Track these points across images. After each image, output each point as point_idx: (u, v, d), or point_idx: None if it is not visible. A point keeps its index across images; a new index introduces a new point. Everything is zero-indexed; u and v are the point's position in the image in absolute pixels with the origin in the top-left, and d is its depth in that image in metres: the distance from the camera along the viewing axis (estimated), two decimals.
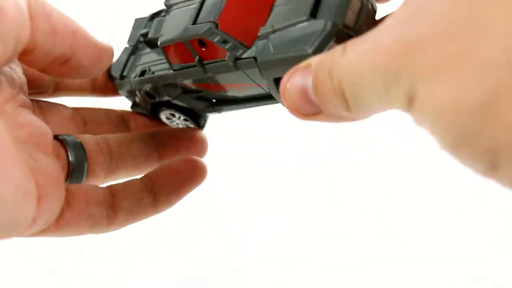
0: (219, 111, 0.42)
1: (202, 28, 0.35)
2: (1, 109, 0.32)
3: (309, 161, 0.77)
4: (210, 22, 0.35)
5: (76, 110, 0.42)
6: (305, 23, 0.32)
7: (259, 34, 0.34)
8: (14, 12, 0.30)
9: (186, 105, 0.42)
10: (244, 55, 0.35)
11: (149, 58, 0.42)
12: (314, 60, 0.29)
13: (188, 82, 0.39)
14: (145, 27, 0.43)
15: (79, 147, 0.38)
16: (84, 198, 0.35)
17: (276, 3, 0.35)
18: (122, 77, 0.42)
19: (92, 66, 0.36)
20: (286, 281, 0.66)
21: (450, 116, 0.21)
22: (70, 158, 0.37)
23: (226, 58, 0.35)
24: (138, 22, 0.45)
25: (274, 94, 0.36)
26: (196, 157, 0.41)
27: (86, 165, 0.38)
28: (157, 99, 0.40)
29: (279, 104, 0.37)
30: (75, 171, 0.37)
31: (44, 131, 0.34)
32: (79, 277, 0.68)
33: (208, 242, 0.71)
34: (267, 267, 0.68)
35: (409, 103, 0.23)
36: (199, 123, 0.45)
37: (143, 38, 0.43)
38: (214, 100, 0.42)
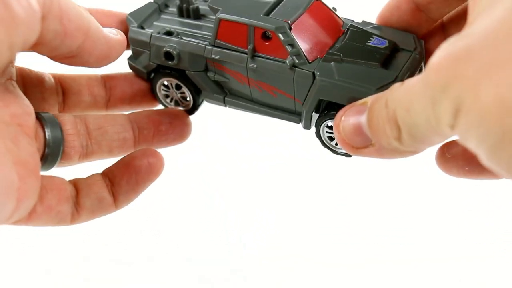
0: (228, 104, 0.42)
1: (277, 23, 0.37)
2: None
3: (309, 162, 0.77)
4: (286, 22, 0.37)
5: (58, 79, 0.42)
6: (375, 69, 0.35)
7: (325, 55, 0.37)
8: (26, 17, 0.29)
9: (197, 83, 0.42)
10: (302, 66, 0.37)
11: (177, 24, 0.42)
12: (370, 98, 0.31)
13: (218, 62, 0.40)
14: None
15: (57, 129, 0.37)
16: (56, 194, 0.36)
17: (347, 38, 0.38)
18: (141, 26, 0.42)
19: (98, 63, 0.37)
20: (286, 281, 0.66)
21: (495, 114, 0.22)
22: (47, 140, 0.37)
23: (287, 61, 0.37)
24: None
25: (306, 112, 0.38)
26: (151, 150, 0.40)
27: (62, 148, 0.38)
28: (173, 63, 0.41)
29: (290, 123, 0.40)
30: (50, 153, 0.37)
31: (27, 111, 0.34)
32: (79, 277, 0.68)
33: (208, 242, 0.71)
34: (267, 267, 0.68)
35: (455, 115, 0.23)
36: (195, 103, 0.44)
37: (181, 3, 0.42)
38: (227, 92, 0.42)
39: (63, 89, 0.42)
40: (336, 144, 0.39)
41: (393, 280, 0.66)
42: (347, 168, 0.75)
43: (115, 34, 0.37)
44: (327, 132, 0.39)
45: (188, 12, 0.43)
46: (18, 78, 0.38)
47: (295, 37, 0.37)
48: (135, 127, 0.42)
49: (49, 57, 0.35)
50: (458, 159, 0.35)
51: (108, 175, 0.40)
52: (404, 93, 0.27)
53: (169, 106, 0.44)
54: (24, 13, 0.29)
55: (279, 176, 0.77)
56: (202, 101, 0.44)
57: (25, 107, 0.34)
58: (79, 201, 0.38)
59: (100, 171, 0.40)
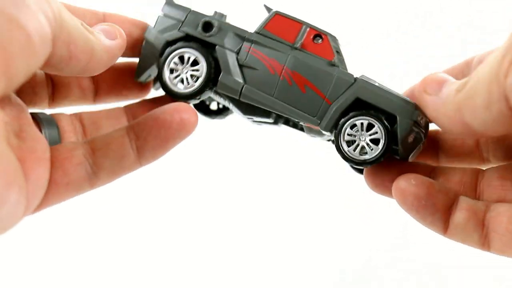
0: (246, 92, 0.41)
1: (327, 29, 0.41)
2: None
3: (309, 164, 0.77)
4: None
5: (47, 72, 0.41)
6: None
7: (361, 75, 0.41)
8: (39, 40, 0.29)
9: (223, 62, 0.41)
10: (343, 71, 0.41)
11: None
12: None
13: (256, 47, 0.41)
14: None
15: (54, 127, 0.37)
16: (59, 167, 0.34)
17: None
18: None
19: (98, 72, 0.36)
20: (286, 281, 0.66)
21: None
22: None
23: (333, 60, 0.40)
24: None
25: (335, 109, 0.40)
26: (185, 105, 0.38)
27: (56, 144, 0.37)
28: (210, 36, 0.41)
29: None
30: None
31: (23, 109, 0.34)
32: (78, 277, 0.68)
33: (208, 242, 0.71)
34: (266, 267, 0.68)
35: None
36: (205, 85, 0.42)
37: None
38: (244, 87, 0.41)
39: (53, 83, 0.41)
40: (354, 150, 0.41)
41: (394, 280, 0.66)
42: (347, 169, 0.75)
43: (114, 38, 0.37)
44: (348, 135, 0.41)
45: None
46: None
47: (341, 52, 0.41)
48: (130, 118, 0.41)
49: (52, 73, 0.35)
50: (419, 188, 0.38)
51: (134, 128, 0.37)
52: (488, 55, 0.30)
53: (168, 83, 0.42)
54: (38, 40, 0.28)
55: (279, 178, 0.77)
56: (210, 90, 0.42)
57: (20, 107, 0.34)
58: (98, 162, 0.36)
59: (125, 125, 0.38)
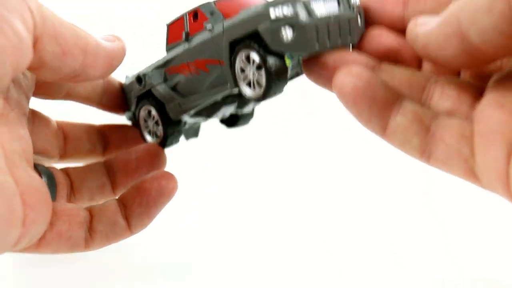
0: (183, 104, 0.44)
1: (201, 3, 0.41)
2: (7, 116, 0.32)
3: (308, 166, 0.77)
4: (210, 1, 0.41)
5: (60, 125, 0.43)
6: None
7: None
8: (11, 45, 0.29)
9: (160, 95, 0.45)
10: (215, 27, 0.40)
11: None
12: None
13: (171, 65, 0.44)
14: None
15: (52, 178, 0.39)
16: (66, 220, 0.36)
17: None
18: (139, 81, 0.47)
19: (103, 74, 0.37)
20: (286, 281, 0.66)
21: None
22: None
23: (205, 26, 0.40)
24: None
25: (225, 60, 0.40)
26: (163, 172, 0.41)
27: (55, 197, 0.39)
28: (143, 85, 0.45)
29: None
30: None
31: (31, 149, 0.35)
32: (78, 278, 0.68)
33: (208, 243, 0.71)
34: (266, 267, 0.68)
35: None
36: (167, 131, 0.46)
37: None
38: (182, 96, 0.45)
39: (64, 135, 0.43)
40: (255, 88, 0.38)
41: (392, 281, 0.67)
42: (347, 170, 0.75)
43: (113, 41, 0.37)
44: (243, 79, 0.38)
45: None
46: (30, 118, 0.38)
47: (215, 7, 0.40)
48: (109, 171, 0.43)
49: (55, 80, 0.35)
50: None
51: (122, 200, 0.40)
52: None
53: (148, 139, 0.47)
54: (7, 34, 0.29)
55: (278, 178, 0.77)
56: (174, 133, 0.46)
57: (30, 145, 0.34)
58: (93, 226, 0.38)
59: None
